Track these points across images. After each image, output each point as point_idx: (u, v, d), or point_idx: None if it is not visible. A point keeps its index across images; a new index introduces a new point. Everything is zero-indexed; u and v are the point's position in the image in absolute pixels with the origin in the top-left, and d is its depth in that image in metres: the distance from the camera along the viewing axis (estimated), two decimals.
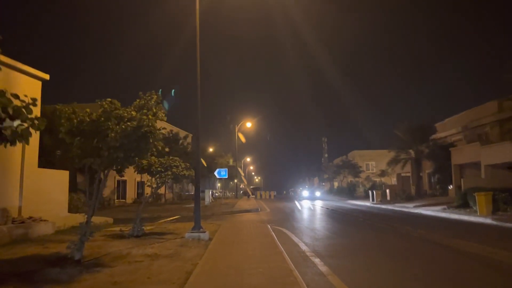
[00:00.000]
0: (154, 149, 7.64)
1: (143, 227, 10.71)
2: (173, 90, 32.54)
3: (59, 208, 13.10)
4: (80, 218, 14.20)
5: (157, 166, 10.47)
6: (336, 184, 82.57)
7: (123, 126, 6.89)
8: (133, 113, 7.28)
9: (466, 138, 36.86)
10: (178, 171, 10.47)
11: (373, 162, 78.86)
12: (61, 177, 13.26)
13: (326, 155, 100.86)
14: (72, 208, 14.04)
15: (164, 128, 7.56)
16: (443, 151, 35.72)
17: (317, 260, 7.93)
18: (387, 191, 40.08)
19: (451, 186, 35.09)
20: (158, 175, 10.53)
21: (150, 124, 7.15)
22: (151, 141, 7.36)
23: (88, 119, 6.99)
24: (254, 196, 55.23)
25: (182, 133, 35.97)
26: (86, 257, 7.58)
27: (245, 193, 50.71)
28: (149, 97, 7.68)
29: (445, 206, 25.38)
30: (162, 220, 18.87)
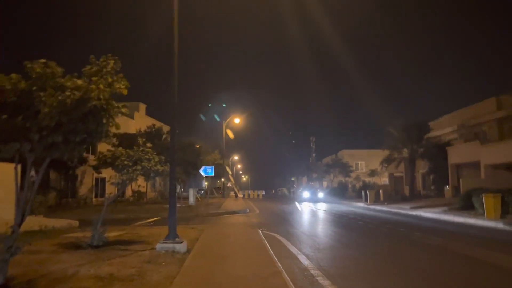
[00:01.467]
0: (111, 133, 5.58)
1: (105, 235, 8.61)
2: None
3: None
4: (32, 221, 12.11)
5: (123, 159, 8.41)
6: (325, 183, 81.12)
7: (60, 98, 4.82)
8: (79, 81, 5.21)
9: (462, 137, 35.45)
10: (150, 165, 8.42)
11: (363, 161, 77.70)
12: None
13: (314, 155, 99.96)
14: None
15: (124, 106, 5.48)
16: (438, 150, 34.25)
17: (326, 283, 5.98)
18: (380, 191, 38.49)
19: (447, 187, 33.61)
20: (125, 170, 8.46)
21: (101, 96, 5.09)
22: (104, 121, 5.30)
23: (9, 87, 4.90)
24: (242, 195, 53.21)
25: (166, 128, 33.69)
26: (14, 280, 5.52)
27: (234, 192, 48.52)
28: (104, 63, 5.58)
29: (445, 208, 23.63)
30: (139, 223, 16.76)
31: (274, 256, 7.71)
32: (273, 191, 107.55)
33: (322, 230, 14.70)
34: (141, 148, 8.67)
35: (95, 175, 32.74)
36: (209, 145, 44.61)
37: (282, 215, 23.12)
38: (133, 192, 35.75)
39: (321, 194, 47.99)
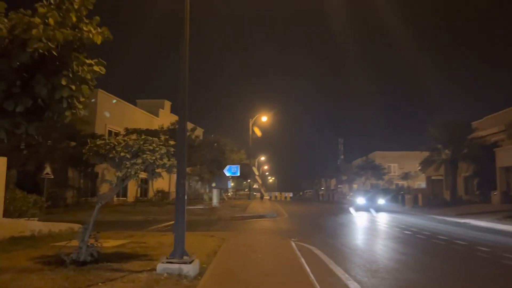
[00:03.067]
0: (88, 76, 3.59)
1: (99, 246, 6.69)
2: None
3: None
4: (23, 225, 10.44)
5: (120, 149, 6.48)
6: (355, 186, 77.99)
7: None
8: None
9: (510, 137, 32.18)
10: (154, 158, 6.46)
11: (395, 164, 74.25)
12: None
13: (342, 157, 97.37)
14: (13, 211, 10.16)
15: (100, 63, 3.52)
16: (484, 151, 31.14)
17: None
18: (419, 196, 35.60)
19: (495, 192, 30.47)
20: (122, 164, 6.54)
21: (50, 36, 3.12)
22: (63, 82, 3.32)
23: None
24: (269, 197, 51.09)
25: (190, 126, 32.04)
26: None
27: (260, 194, 46.24)
28: None
29: (497, 216, 20.63)
30: (154, 226, 15.00)
31: (316, 284, 5.59)
32: (301, 193, 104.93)
33: (364, 240, 12.42)
34: (143, 137, 6.70)
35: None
36: (236, 144, 42.84)
37: (312, 219, 20.94)
38: (156, 191, 34.27)
39: (381, 201, 31.37)
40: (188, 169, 32.26)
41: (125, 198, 33.61)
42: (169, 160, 6.73)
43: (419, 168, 50.90)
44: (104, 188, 32.05)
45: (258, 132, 37.67)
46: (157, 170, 6.88)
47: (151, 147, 6.66)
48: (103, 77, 4.13)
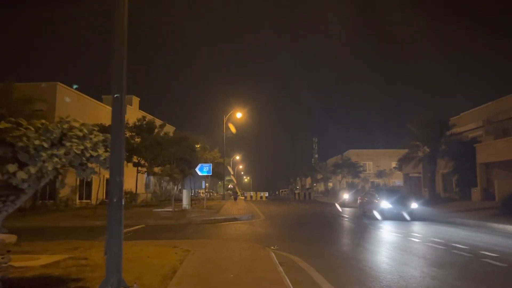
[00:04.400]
0: None
1: (5, 273, 4.78)
2: None
3: None
4: None
5: (34, 135, 4.60)
6: (330, 185, 77.35)
7: None
8: None
9: (488, 133, 31.60)
10: (82, 148, 4.62)
11: (371, 162, 74.19)
12: None
13: (317, 156, 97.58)
14: None
15: None
16: (463, 148, 30.45)
17: None
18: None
19: (475, 189, 29.79)
20: (37, 156, 4.67)
21: None
22: None
23: None
24: (244, 197, 49.27)
25: (158, 122, 29.92)
26: None
27: (234, 194, 44.19)
28: None
29: (483, 214, 19.57)
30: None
31: None
32: (277, 193, 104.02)
33: (356, 247, 10.87)
34: (67, 118, 4.83)
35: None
36: (210, 143, 40.88)
37: (294, 221, 19.33)
38: (124, 193, 31.96)
39: (414, 205, 20.70)
40: (157, 169, 30.14)
41: (88, 201, 31.10)
42: (106, 152, 4.88)
43: (394, 166, 50.40)
44: (65, 191, 29.52)
45: (233, 129, 35.91)
46: (90, 165, 5.01)
47: (80, 133, 4.79)
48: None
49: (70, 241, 10.07)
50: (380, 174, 65.75)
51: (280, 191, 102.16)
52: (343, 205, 33.39)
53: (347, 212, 26.10)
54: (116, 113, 4.29)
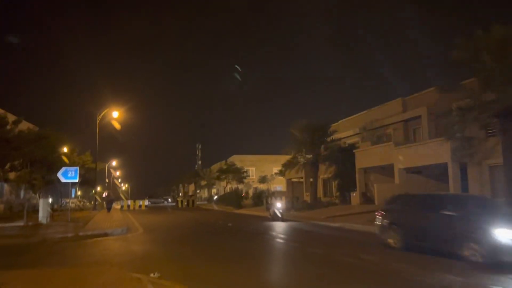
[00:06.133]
0: None
1: None
2: None
3: None
4: None
5: None
6: (214, 190, 75.99)
7: None
8: None
9: (364, 140, 33.26)
10: None
11: (253, 167, 74.88)
12: None
13: (200, 162, 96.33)
14: None
15: None
16: (343, 153, 31.55)
17: None
18: (283, 199, 34.47)
19: (354, 193, 30.86)
20: None
21: None
22: None
23: None
24: (120, 206, 44.40)
25: (12, 118, 24.69)
26: None
27: (108, 204, 39.08)
28: None
29: (368, 218, 19.71)
30: None
31: None
32: (163, 201, 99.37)
33: (260, 265, 9.00)
34: None
35: None
36: (81, 146, 35.68)
37: (180, 233, 16.92)
38: None
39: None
40: (12, 175, 24.86)
41: None
42: None
43: (276, 171, 51.01)
44: None
45: (116, 125, 31.41)
46: None
47: None
48: None
49: None
50: (262, 179, 66.42)
51: (164, 198, 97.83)
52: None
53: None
54: None
